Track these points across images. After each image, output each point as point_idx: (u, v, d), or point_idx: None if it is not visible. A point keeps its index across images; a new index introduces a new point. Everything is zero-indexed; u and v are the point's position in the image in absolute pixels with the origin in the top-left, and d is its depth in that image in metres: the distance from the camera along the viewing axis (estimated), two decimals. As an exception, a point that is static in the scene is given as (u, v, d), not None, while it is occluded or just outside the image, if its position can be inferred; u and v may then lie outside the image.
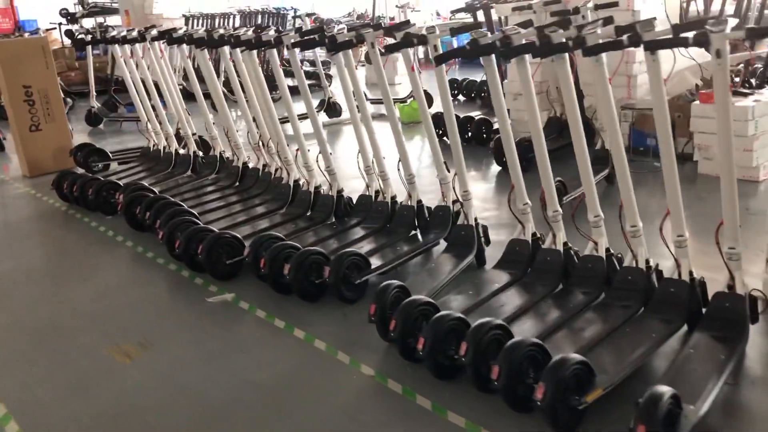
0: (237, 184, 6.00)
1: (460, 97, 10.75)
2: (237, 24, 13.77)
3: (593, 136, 6.53)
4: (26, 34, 14.56)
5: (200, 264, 4.44)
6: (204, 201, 5.61)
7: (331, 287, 3.87)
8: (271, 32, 5.15)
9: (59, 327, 4.00)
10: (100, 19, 17.65)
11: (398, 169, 4.65)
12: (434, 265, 4.13)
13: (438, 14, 17.72)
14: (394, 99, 9.78)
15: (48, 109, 7.61)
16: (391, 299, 3.39)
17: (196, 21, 14.70)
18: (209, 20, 14.26)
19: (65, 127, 7.82)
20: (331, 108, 9.76)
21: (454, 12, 10.49)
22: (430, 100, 9.61)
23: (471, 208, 4.32)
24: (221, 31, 5.72)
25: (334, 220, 5.02)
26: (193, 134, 6.76)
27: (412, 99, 9.58)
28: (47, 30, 15.62)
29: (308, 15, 10.49)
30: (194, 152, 6.66)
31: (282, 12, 12.76)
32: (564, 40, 3.21)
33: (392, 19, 16.64)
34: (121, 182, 6.07)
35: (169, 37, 6.10)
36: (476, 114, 8.00)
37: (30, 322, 4.10)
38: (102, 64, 13.63)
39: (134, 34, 6.49)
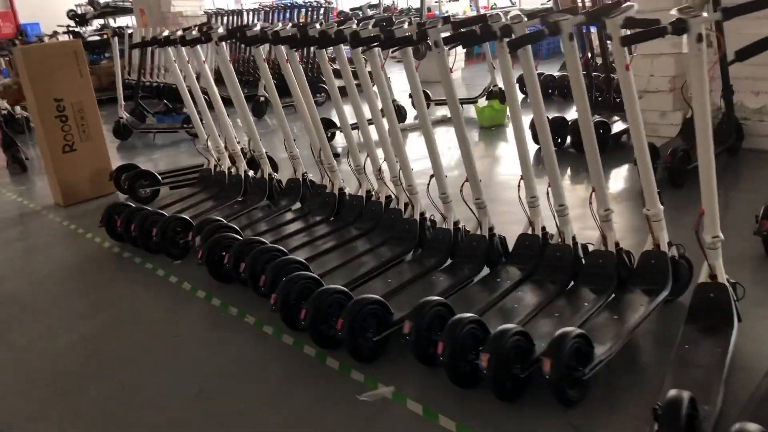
0: (333, 217, 4.84)
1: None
2: (261, 20, 12.63)
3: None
4: (51, 39, 13.30)
5: (333, 339, 3.31)
6: (306, 242, 4.43)
7: (554, 388, 2.73)
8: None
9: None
10: (111, 21, 16.49)
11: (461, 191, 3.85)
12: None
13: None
14: (463, 99, 8.80)
15: (83, 126, 6.44)
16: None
17: (220, 18, 13.52)
18: (236, 16, 13.08)
19: (103, 147, 6.65)
20: (396, 112, 8.56)
21: None
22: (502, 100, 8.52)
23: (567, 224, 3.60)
24: (277, 26, 4.70)
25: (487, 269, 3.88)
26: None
27: (492, 98, 8.42)
28: (53, 34, 14.42)
29: (370, 7, 9.32)
30: (270, 175, 5.50)
31: (327, 5, 11.56)
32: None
33: (429, 10, 15.40)
34: (185, 215, 4.93)
35: (242, 36, 4.93)
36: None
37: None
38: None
39: (194, 33, 5.31)
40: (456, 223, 4.03)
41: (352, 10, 15.69)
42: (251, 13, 13.42)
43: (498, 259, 3.84)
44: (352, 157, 4.73)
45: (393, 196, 4.53)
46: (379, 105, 4.40)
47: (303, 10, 11.61)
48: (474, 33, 3.35)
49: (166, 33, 5.57)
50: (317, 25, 4.48)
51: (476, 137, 7.76)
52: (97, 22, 16.60)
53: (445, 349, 2.84)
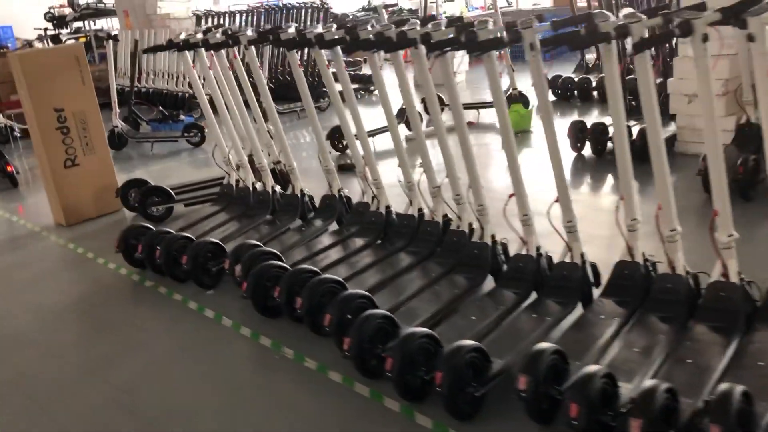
0: (380, 240, 4.36)
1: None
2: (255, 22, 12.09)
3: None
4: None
5: (420, 390, 2.85)
6: (359, 271, 3.94)
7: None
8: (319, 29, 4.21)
9: None
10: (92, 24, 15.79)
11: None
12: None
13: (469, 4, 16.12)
14: (477, 104, 8.36)
15: (86, 138, 5.88)
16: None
17: (210, 19, 12.93)
18: (229, 18, 12.52)
19: (108, 161, 6.09)
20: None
21: None
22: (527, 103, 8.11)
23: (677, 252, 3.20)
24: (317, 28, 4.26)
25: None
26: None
27: (515, 102, 7.99)
28: (39, 38, 13.71)
29: (385, 7, 8.85)
30: (302, 192, 5.00)
31: (326, 6, 11.07)
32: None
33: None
34: (211, 237, 4.43)
35: (276, 38, 4.44)
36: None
37: None
38: (101, 73, 11.79)
39: (219, 36, 4.79)
40: (538, 249, 3.57)
41: (364, 10, 15.18)
42: (244, 15, 12.87)
43: (590, 292, 3.41)
44: (404, 171, 4.26)
45: (456, 217, 4.05)
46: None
47: (303, 11, 11.10)
48: (580, 35, 2.91)
49: (183, 36, 5.04)
50: (369, 27, 4.01)
51: (499, 144, 7.33)
52: (76, 25, 15.86)
53: (579, 412, 2.38)
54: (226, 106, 5.20)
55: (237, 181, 5.43)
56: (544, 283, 3.47)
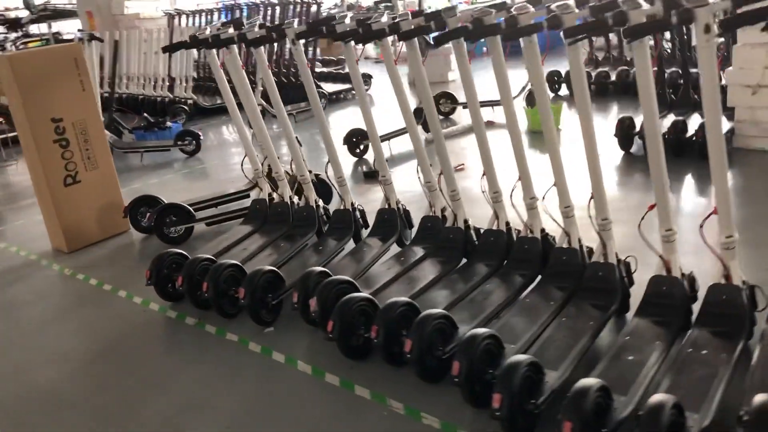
0: (461, 264, 3.79)
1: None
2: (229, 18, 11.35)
3: None
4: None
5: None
6: (457, 300, 3.35)
7: None
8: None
9: None
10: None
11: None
12: None
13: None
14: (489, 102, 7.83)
15: (88, 151, 5.16)
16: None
17: (183, 18, 12.14)
18: (206, 16, 11.76)
19: (113, 176, 5.37)
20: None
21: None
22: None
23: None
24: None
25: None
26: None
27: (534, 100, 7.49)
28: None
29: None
30: (353, 206, 4.40)
31: (317, 2, 10.41)
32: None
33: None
34: (258, 263, 3.82)
35: (331, 30, 3.82)
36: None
37: None
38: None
39: (258, 30, 4.14)
40: (686, 276, 3.04)
41: (376, 2, 14.52)
42: (216, 12, 12.13)
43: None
44: (489, 181, 3.70)
45: (563, 231, 3.50)
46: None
47: (291, 7, 10.42)
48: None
49: (208, 31, 4.36)
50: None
51: (526, 143, 6.83)
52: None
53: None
54: (262, 111, 4.55)
55: (270, 195, 4.78)
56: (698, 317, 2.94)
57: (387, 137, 6.83)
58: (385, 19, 3.63)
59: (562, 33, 2.76)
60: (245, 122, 4.78)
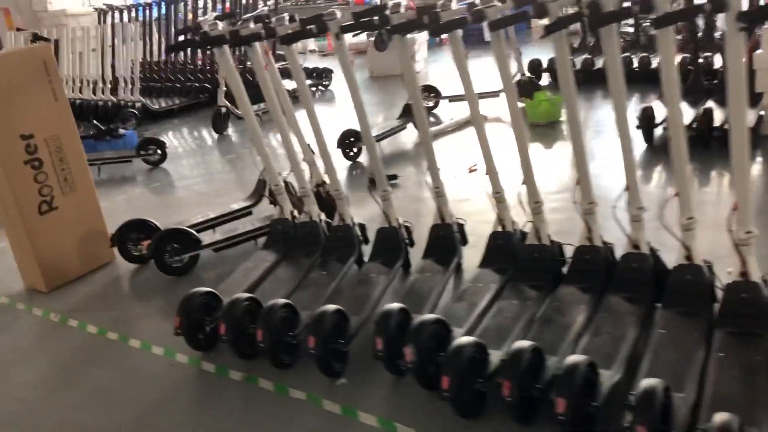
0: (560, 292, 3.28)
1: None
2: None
3: None
4: None
5: None
6: (579, 337, 2.84)
7: None
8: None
9: None
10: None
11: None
12: None
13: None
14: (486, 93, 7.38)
15: (64, 172, 4.37)
16: None
17: (113, 14, 11.09)
18: (143, 10, 10.78)
19: (93, 199, 4.59)
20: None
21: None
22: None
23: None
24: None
25: None
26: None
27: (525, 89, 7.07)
28: None
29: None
30: (400, 223, 3.84)
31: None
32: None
33: None
34: (304, 299, 3.24)
35: (384, 20, 3.24)
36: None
37: None
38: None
39: (287, 22, 3.50)
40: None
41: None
42: (148, 7, 11.15)
43: None
44: (584, 193, 3.21)
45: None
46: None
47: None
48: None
49: (221, 27, 3.67)
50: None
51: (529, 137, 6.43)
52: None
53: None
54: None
55: (291, 213, 4.16)
56: None
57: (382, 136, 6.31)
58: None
59: (589, 23, 2.67)
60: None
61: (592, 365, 2.44)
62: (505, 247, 3.49)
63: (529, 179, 3.28)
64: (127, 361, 3.45)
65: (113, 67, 9.15)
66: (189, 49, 9.17)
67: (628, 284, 3.03)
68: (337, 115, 8.04)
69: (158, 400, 3.09)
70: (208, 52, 9.14)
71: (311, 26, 3.34)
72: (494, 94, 6.74)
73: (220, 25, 3.68)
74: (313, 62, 11.21)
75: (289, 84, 5.69)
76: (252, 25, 3.55)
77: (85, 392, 3.23)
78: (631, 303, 2.94)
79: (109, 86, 9.22)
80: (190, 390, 3.17)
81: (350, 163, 6.21)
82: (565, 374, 2.36)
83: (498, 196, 3.47)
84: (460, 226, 3.79)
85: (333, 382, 3.00)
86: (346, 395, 2.91)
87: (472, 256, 3.66)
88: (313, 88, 9.73)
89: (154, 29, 10.16)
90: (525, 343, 2.53)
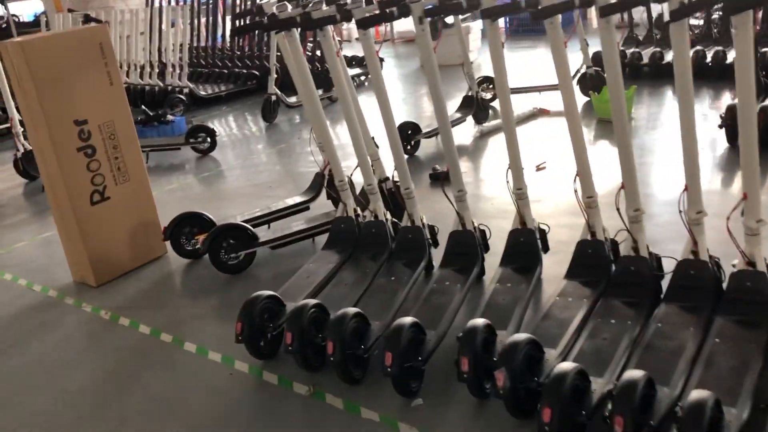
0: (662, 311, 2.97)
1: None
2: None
3: None
4: None
5: None
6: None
7: None
8: None
9: None
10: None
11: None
12: None
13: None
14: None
15: (118, 160, 4.17)
16: None
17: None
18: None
19: (147, 189, 4.38)
20: (480, 108, 6.67)
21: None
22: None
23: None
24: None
25: None
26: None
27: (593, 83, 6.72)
28: None
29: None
30: (476, 227, 3.55)
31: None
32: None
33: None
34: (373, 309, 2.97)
35: (473, 4, 2.94)
36: None
37: None
38: None
39: (364, 5, 3.22)
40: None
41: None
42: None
43: None
44: (691, 202, 2.88)
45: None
46: None
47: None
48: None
49: (290, 9, 3.40)
50: None
51: (592, 133, 6.10)
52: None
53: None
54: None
55: (356, 211, 3.89)
56: None
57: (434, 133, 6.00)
58: None
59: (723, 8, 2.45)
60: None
61: (717, 402, 2.13)
62: (595, 258, 3.18)
63: (630, 183, 2.97)
64: (183, 367, 3.23)
65: (160, 50, 8.98)
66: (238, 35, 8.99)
67: (742, 305, 2.71)
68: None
69: (217, 414, 2.86)
70: (262, 38, 8.92)
71: (392, 9, 3.05)
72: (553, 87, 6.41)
73: (289, 6, 3.41)
74: (353, 51, 10.87)
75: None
76: (324, 7, 3.26)
77: (139, 400, 3.01)
78: (749, 328, 2.62)
79: (157, 71, 9.05)
80: (252, 403, 2.92)
81: (407, 157, 5.91)
82: (690, 414, 2.06)
83: (589, 201, 3.16)
84: (542, 232, 3.49)
85: (408, 403, 2.73)
86: (424, 418, 2.65)
87: (549, 264, 3.38)
88: (362, 77, 9.45)
89: (201, 13, 10.01)
90: (637, 373, 2.25)
